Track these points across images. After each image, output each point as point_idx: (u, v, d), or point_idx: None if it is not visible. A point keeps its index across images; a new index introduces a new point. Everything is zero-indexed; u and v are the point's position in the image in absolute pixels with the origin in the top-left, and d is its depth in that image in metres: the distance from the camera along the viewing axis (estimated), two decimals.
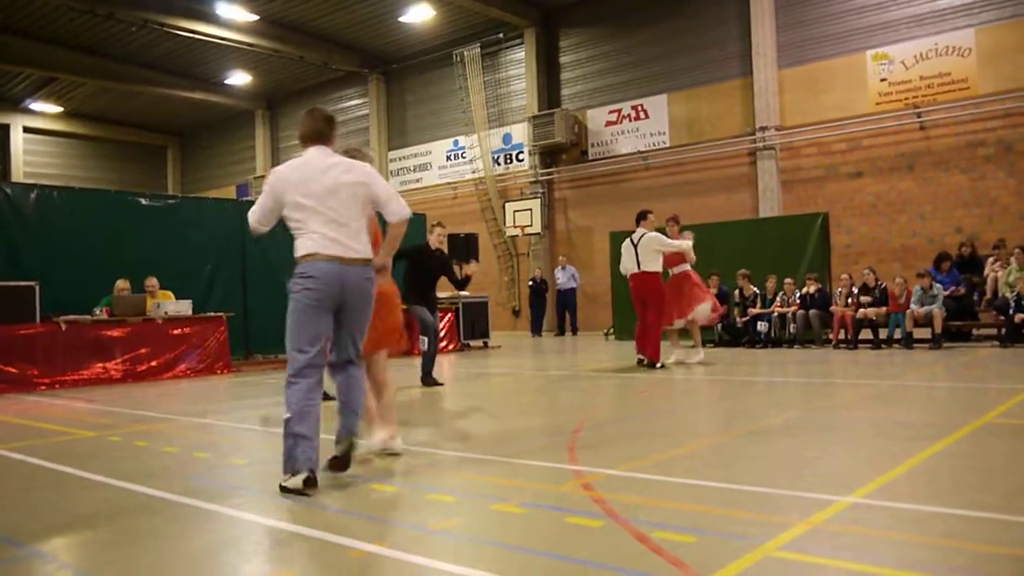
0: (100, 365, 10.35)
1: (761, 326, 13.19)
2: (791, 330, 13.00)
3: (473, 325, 15.53)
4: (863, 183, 16.21)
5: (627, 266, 10.16)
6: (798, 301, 12.98)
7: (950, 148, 15.25)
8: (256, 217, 4.23)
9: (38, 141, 29.70)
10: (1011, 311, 11.31)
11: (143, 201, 12.37)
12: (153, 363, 10.82)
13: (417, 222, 15.37)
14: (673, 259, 10.48)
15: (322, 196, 4.08)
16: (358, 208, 4.19)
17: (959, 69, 15.13)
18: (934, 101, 15.39)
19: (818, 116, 16.72)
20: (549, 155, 21.19)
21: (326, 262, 4.03)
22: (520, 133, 21.70)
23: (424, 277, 8.88)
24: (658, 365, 9.90)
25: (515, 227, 21.02)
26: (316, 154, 4.22)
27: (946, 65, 15.25)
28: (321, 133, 4.27)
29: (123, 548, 3.19)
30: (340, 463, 4.24)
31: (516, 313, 21.94)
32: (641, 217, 10.30)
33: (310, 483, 3.87)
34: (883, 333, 12.21)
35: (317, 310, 4.04)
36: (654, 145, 19.25)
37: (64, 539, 3.41)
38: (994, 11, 14.78)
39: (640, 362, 10.13)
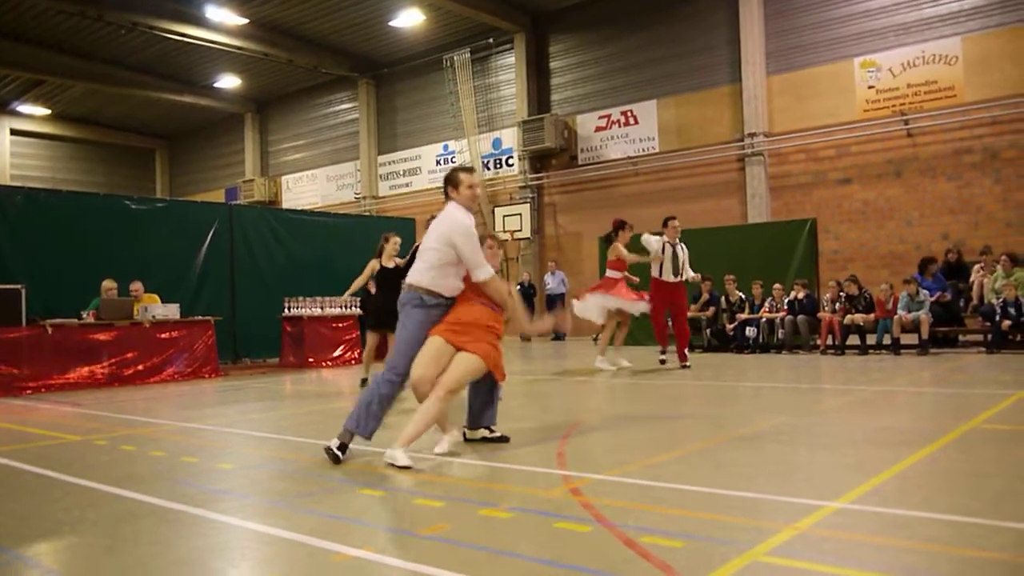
0: (87, 369, 10.29)
1: (749, 331, 13.23)
2: (779, 336, 13.05)
3: None
4: (851, 189, 16.31)
5: (669, 274, 10.48)
6: (786, 307, 13.04)
7: (937, 155, 15.37)
8: None
9: (26, 143, 29.55)
10: (997, 317, 11.39)
11: (131, 204, 12.33)
12: (140, 367, 10.76)
13: (407, 226, 15.40)
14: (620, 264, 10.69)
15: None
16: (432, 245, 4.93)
17: (946, 77, 15.25)
18: (921, 109, 15.50)
19: (806, 123, 16.80)
20: (539, 160, 21.21)
21: None
22: (510, 138, 21.72)
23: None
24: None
25: (505, 232, 21.01)
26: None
27: (933, 73, 15.37)
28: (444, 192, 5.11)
29: (109, 553, 3.17)
30: None
31: None
32: (663, 224, 10.67)
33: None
34: (871, 339, 12.27)
35: None
36: (643, 151, 19.30)
37: (49, 544, 3.38)
38: (980, 19, 14.91)
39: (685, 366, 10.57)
